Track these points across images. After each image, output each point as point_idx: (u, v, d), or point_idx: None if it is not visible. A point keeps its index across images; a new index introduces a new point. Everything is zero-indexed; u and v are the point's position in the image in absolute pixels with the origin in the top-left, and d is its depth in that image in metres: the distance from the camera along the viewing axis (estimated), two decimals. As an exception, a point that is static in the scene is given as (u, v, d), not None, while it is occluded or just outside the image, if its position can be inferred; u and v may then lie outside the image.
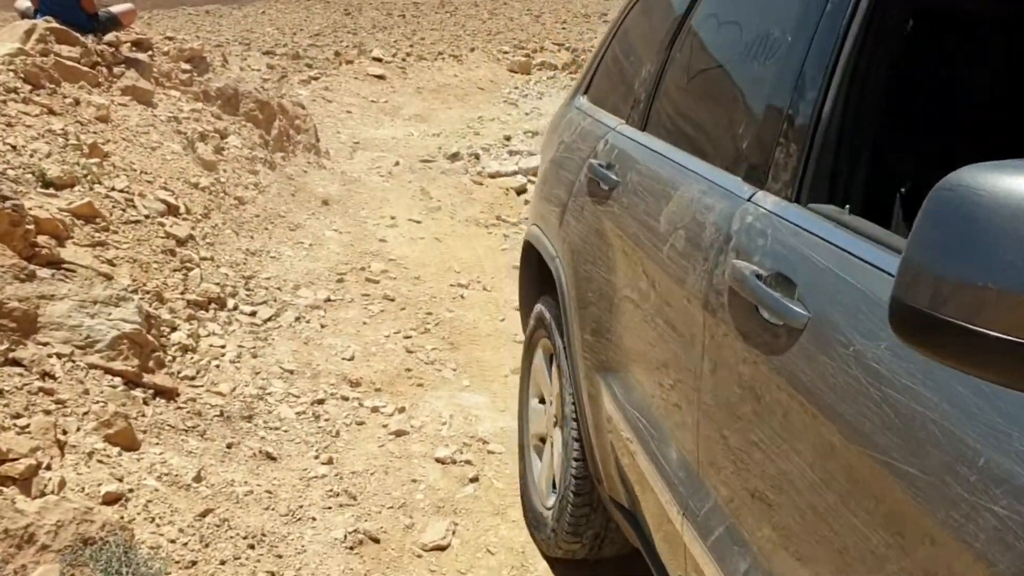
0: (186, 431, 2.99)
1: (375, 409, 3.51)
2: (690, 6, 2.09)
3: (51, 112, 4.45)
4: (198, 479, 2.72)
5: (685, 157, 1.84)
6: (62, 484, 2.31)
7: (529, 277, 2.92)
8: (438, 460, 3.21)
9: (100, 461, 2.56)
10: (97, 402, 2.77)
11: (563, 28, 17.02)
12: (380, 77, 11.86)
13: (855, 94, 1.38)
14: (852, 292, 1.14)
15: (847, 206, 1.31)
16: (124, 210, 4.01)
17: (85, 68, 5.23)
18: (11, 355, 2.73)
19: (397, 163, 7.81)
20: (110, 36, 5.86)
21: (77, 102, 4.79)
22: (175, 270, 3.91)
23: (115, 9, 6.39)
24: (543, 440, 2.76)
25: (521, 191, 7.17)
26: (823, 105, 1.38)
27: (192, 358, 3.43)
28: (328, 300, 4.46)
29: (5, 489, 2.18)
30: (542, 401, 2.83)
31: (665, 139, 2.01)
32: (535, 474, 2.81)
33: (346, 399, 3.54)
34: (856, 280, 1.15)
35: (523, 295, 3.05)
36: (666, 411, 1.73)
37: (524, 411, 2.97)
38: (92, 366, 2.94)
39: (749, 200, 1.49)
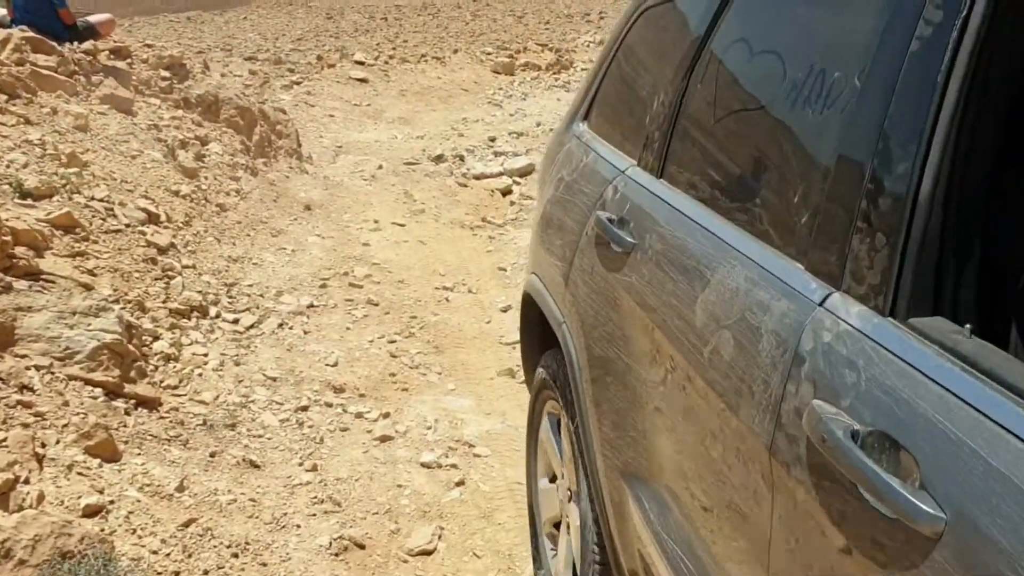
0: (168, 441, 2.97)
1: (359, 415, 3.49)
2: (711, 26, 1.71)
3: (27, 122, 4.42)
4: (181, 489, 2.70)
5: (719, 224, 1.46)
6: (40, 498, 2.29)
7: (530, 332, 2.53)
8: (423, 465, 3.20)
9: (80, 473, 2.54)
10: (77, 414, 2.75)
11: (546, 28, 17.03)
12: (363, 80, 11.82)
13: (960, 165, 1.00)
14: (1015, 495, 0.77)
15: (967, 325, 0.94)
16: (104, 219, 3.98)
17: (62, 77, 5.20)
18: (-12, 368, 2.71)
19: (380, 166, 7.79)
20: (87, 45, 5.84)
21: (54, 111, 4.76)
22: (156, 279, 3.89)
23: (93, 19, 6.38)
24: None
25: (506, 192, 7.16)
26: (920, 182, 1.00)
27: (174, 367, 3.41)
28: (311, 306, 4.44)
29: (-18, 504, 2.16)
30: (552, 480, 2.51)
31: (689, 194, 1.63)
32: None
33: (330, 405, 3.53)
34: (1017, 475, 0.78)
35: (525, 349, 2.67)
36: (719, 562, 1.35)
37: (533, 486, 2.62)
38: (72, 377, 2.92)
39: (821, 305, 1.11)
